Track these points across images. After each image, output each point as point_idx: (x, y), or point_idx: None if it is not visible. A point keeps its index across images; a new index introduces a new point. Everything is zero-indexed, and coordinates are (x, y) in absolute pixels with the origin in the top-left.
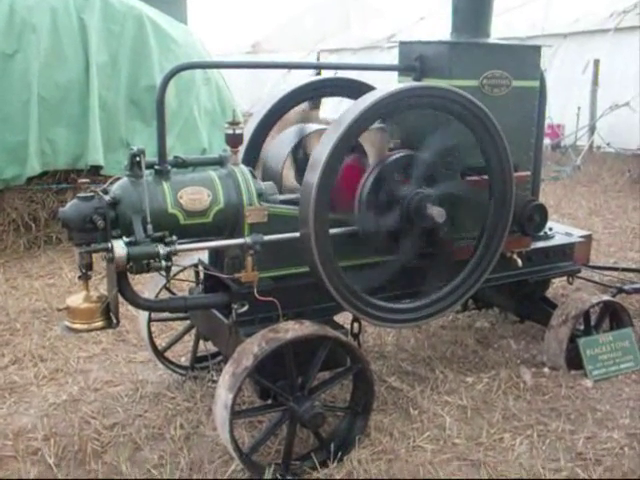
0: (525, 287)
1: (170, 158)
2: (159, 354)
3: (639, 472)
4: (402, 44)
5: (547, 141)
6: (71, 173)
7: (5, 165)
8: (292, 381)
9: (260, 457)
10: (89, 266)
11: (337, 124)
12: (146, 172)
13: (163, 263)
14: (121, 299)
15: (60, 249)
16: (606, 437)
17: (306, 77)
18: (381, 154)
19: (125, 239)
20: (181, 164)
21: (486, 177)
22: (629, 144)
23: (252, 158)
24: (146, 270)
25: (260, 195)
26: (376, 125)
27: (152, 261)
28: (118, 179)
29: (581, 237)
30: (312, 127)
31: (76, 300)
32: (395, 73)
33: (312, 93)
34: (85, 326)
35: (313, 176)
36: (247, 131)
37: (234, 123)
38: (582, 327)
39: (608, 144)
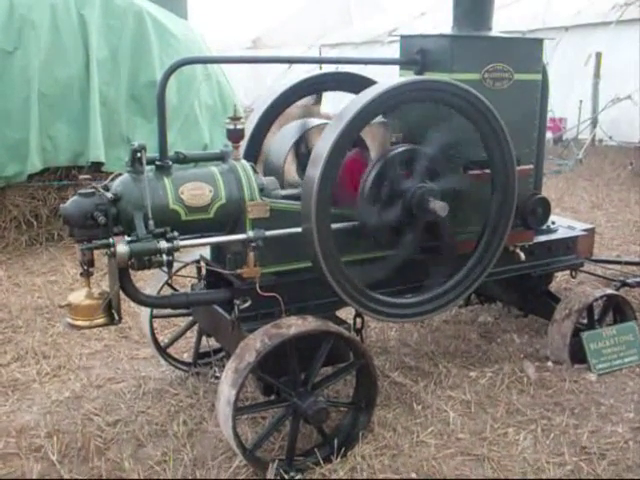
0: (528, 281)
1: (171, 154)
2: (161, 350)
3: None
4: (403, 38)
5: (549, 134)
6: (72, 170)
7: (6, 162)
8: (295, 377)
9: (263, 453)
10: (91, 263)
11: (339, 118)
12: (147, 168)
13: (165, 258)
14: (123, 295)
15: (62, 246)
16: (610, 431)
17: (307, 72)
18: (383, 148)
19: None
20: (182, 160)
21: (488, 171)
22: (631, 137)
23: (253, 153)
24: (148, 266)
25: (262, 190)
26: (378, 119)
27: (154, 257)
28: (119, 175)
29: (584, 230)
30: (314, 122)
31: (78, 297)
32: (396, 67)
33: (313, 87)
34: (87, 323)
35: (315, 171)
36: (248, 126)
37: (235, 118)
38: (585, 321)
39: (610, 137)
